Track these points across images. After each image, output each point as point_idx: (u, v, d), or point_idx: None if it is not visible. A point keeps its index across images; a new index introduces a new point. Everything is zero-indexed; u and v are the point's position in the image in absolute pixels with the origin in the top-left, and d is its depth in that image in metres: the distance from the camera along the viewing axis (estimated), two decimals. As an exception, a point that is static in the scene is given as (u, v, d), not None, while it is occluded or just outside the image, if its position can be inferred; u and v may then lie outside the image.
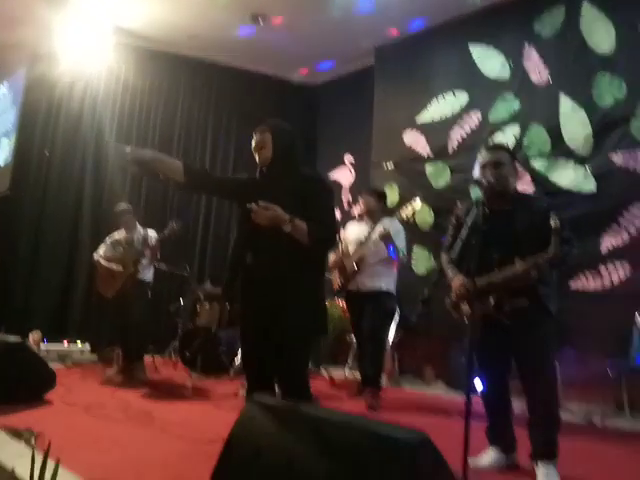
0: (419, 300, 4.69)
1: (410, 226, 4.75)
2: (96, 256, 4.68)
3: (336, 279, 4.35)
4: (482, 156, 2.56)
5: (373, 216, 4.26)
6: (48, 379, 3.42)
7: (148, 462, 2.28)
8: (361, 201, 4.38)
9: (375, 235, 4.08)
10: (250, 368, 2.32)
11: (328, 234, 2.25)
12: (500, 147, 2.68)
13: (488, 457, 2.54)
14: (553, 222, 2.31)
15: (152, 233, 4.60)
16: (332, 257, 4.34)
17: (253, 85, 7.02)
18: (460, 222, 2.58)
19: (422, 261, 5.75)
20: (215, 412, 3.39)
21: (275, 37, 6.28)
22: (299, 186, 2.24)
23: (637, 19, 4.46)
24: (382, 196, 4.46)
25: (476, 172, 2.58)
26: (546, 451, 2.37)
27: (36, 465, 1.48)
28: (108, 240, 4.77)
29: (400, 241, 4.17)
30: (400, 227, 4.26)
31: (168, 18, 5.97)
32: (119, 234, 4.76)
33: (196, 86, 6.81)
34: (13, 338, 3.56)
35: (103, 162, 6.18)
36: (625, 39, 4.53)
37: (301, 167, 2.34)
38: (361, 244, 4.18)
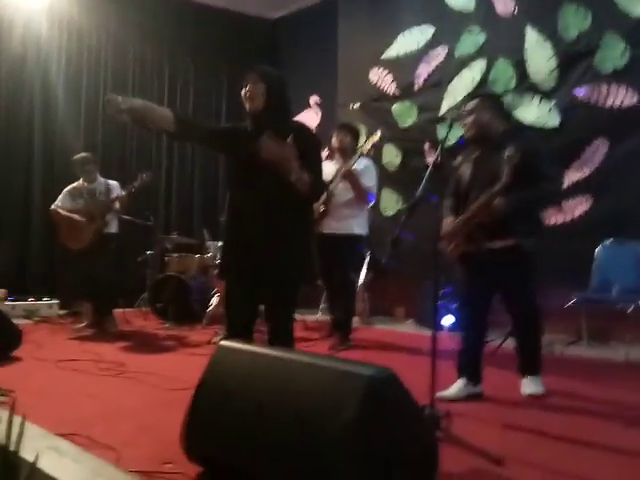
0: (388, 241, 4.74)
1: (377, 168, 4.72)
2: (54, 206, 4.50)
3: None
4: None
5: (345, 153, 4.13)
6: (14, 336, 3.35)
7: (120, 412, 2.29)
8: (334, 138, 4.22)
9: (337, 179, 3.98)
10: (233, 313, 2.33)
11: (321, 187, 2.31)
12: (479, 95, 2.93)
13: (455, 388, 2.66)
14: (507, 152, 2.45)
15: (114, 184, 4.44)
16: None
17: (208, 21, 6.63)
18: (457, 172, 2.78)
19: (390, 203, 5.75)
20: (189, 360, 3.41)
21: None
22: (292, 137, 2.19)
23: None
24: (356, 134, 4.32)
25: None
26: (533, 366, 2.70)
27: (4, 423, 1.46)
28: (66, 190, 4.58)
29: (369, 178, 4.07)
30: (369, 163, 4.17)
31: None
32: (78, 184, 4.57)
33: (147, 23, 6.35)
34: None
35: (53, 106, 5.82)
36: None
37: (291, 116, 2.34)
38: (330, 183, 4.01)
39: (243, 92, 2.24)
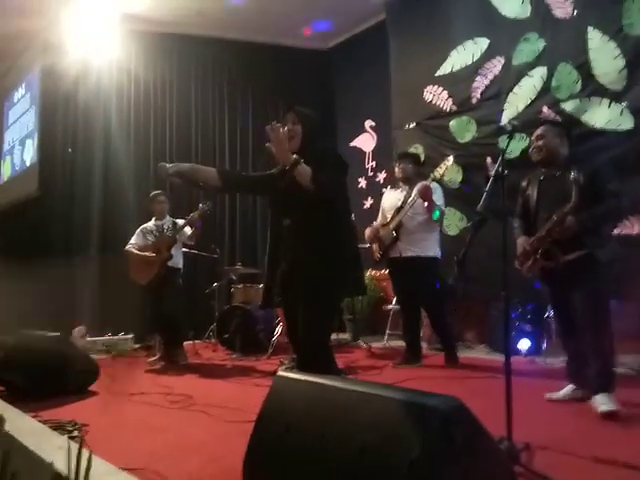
0: (454, 261, 4.56)
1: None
2: (128, 246, 4.73)
3: (375, 250, 4.35)
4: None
5: (409, 182, 4.29)
6: (92, 371, 3.49)
7: (187, 446, 2.29)
8: (397, 168, 4.38)
9: (412, 199, 4.10)
10: (291, 338, 2.46)
11: (330, 187, 2.27)
12: (547, 122, 3.15)
13: (564, 391, 2.84)
14: (572, 174, 2.63)
15: (180, 222, 4.63)
16: (368, 230, 4.36)
17: (264, 57, 6.85)
18: (525, 193, 2.98)
19: (453, 221, 5.55)
20: (255, 391, 3.39)
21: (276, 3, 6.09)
22: (312, 162, 2.27)
23: None
24: (417, 160, 4.49)
25: None
26: (604, 384, 2.60)
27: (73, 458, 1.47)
28: (138, 230, 4.81)
29: (438, 199, 4.15)
30: (436, 185, 4.27)
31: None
32: (148, 224, 4.80)
33: (207, 65, 6.70)
34: (54, 334, 3.63)
35: (122, 163, 6.15)
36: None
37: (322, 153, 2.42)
38: (398, 210, 4.21)
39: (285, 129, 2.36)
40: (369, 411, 1.32)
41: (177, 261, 4.65)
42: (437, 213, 4.11)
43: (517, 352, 4.40)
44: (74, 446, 1.52)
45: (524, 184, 3.02)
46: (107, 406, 3.07)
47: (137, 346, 5.43)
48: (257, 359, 4.57)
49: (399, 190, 4.34)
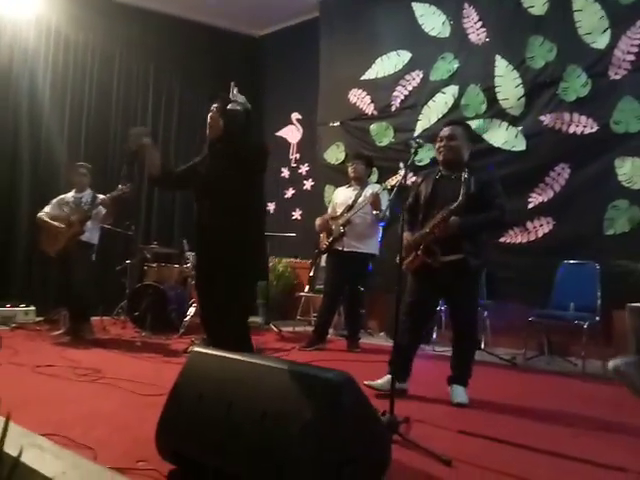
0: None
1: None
2: (41, 214, 4.59)
3: (323, 240, 4.68)
4: (442, 130, 2.98)
5: (361, 182, 4.65)
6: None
7: (97, 416, 2.39)
8: (351, 167, 4.72)
9: (362, 199, 4.47)
10: (203, 318, 2.69)
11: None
12: (456, 122, 3.15)
13: (383, 380, 2.90)
14: (464, 176, 2.77)
15: (101, 197, 4.55)
16: (319, 220, 4.71)
17: (194, 36, 6.81)
18: (418, 188, 3.02)
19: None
20: (165, 367, 3.51)
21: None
22: (235, 152, 2.53)
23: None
24: (369, 162, 4.82)
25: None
26: (464, 377, 2.90)
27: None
28: (54, 200, 4.69)
29: (383, 203, 4.49)
30: (383, 191, 4.60)
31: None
32: (66, 195, 4.68)
33: (134, 36, 6.52)
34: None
35: (39, 114, 5.90)
36: (557, 3, 4.71)
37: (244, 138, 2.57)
38: (349, 208, 4.55)
39: (207, 119, 2.57)
40: (271, 382, 1.55)
41: (91, 236, 4.58)
42: (383, 224, 4.58)
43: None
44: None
45: (419, 179, 3.08)
46: (11, 378, 3.05)
47: (39, 319, 5.27)
48: (168, 338, 4.65)
49: (351, 188, 4.67)
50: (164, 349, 4.23)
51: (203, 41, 6.86)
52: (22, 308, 5.26)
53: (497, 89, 5.00)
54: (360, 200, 4.49)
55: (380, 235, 4.69)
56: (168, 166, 2.77)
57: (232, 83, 2.73)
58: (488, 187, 2.84)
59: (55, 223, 4.46)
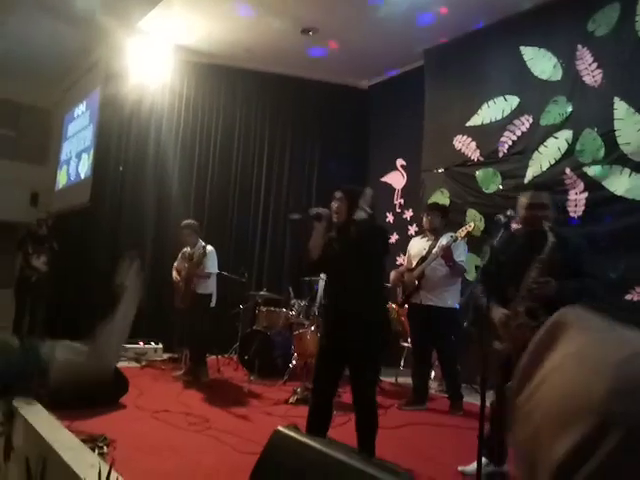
0: (470, 307, 4.80)
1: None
2: (174, 269, 5.16)
3: (399, 293, 4.62)
4: (526, 196, 2.82)
5: (436, 232, 4.50)
6: (122, 385, 3.89)
7: (196, 472, 2.62)
8: (425, 218, 4.62)
9: (437, 250, 4.33)
10: (319, 383, 2.84)
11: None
12: (542, 188, 3.06)
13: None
14: (550, 240, 2.61)
15: (210, 249, 4.98)
16: (393, 274, 4.60)
17: (305, 92, 7.25)
18: (496, 255, 2.74)
19: (473, 268, 5.74)
20: (266, 420, 3.71)
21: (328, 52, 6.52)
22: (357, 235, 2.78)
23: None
24: (445, 211, 4.71)
25: (521, 212, 2.80)
26: None
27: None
28: (181, 252, 5.21)
29: (459, 254, 4.37)
30: (459, 242, 4.44)
31: (223, 34, 6.32)
32: (187, 248, 5.17)
33: (252, 96, 7.13)
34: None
35: (168, 182, 6.65)
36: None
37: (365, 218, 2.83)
38: (423, 259, 4.44)
39: (331, 206, 2.86)
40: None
41: (207, 287, 5.00)
42: (461, 266, 4.37)
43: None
44: (104, 467, 1.88)
45: (496, 243, 2.74)
46: (133, 422, 3.45)
47: (165, 357, 5.86)
48: (272, 384, 4.89)
49: (425, 239, 4.56)
50: (268, 397, 4.45)
51: (313, 95, 7.27)
52: (152, 346, 5.91)
53: (617, 133, 4.62)
54: (434, 251, 4.33)
55: (459, 286, 4.48)
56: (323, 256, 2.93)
57: (367, 189, 2.99)
58: (577, 253, 2.69)
59: (177, 278, 4.96)
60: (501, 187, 5.55)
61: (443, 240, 4.33)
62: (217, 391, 4.57)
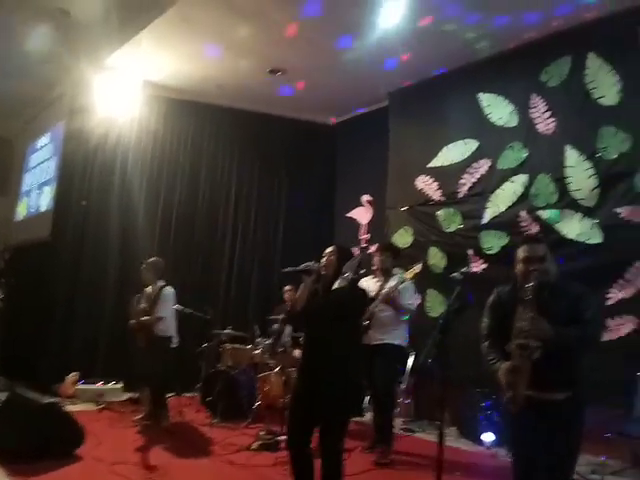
0: (430, 342, 4.82)
1: (424, 271, 4.95)
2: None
3: None
4: (523, 250, 2.65)
5: (387, 273, 4.49)
6: (78, 436, 3.77)
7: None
8: (376, 258, 4.59)
9: (386, 291, 4.31)
10: (293, 433, 2.91)
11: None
12: (538, 239, 2.77)
13: None
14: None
15: (168, 291, 4.87)
16: None
17: (273, 128, 7.33)
18: (496, 308, 2.72)
19: (435, 304, 5.87)
20: (227, 470, 3.64)
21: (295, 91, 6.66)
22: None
23: (641, 73, 4.49)
24: (396, 252, 4.70)
25: (518, 266, 2.64)
26: None
27: None
28: (138, 295, 5.05)
29: (408, 297, 4.39)
30: (407, 285, 4.45)
31: (192, 71, 6.36)
32: (147, 289, 5.02)
33: (220, 132, 7.17)
34: (46, 398, 3.93)
35: (132, 217, 6.56)
36: (630, 91, 4.56)
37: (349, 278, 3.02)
38: (372, 300, 4.34)
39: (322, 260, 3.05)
40: None
41: (167, 329, 4.82)
42: (407, 317, 4.40)
43: (481, 443, 4.63)
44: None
45: (497, 299, 2.74)
46: (89, 477, 3.33)
47: (125, 397, 5.68)
48: (236, 426, 4.81)
49: (375, 279, 4.50)
50: (231, 442, 4.32)
51: (281, 131, 7.35)
52: (111, 386, 5.74)
53: (568, 179, 4.86)
54: (384, 292, 4.31)
55: (407, 327, 4.48)
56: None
57: (358, 256, 3.14)
58: (579, 300, 2.53)
59: (132, 320, 4.86)
60: (461, 226, 5.72)
61: (392, 281, 4.33)
62: (178, 437, 4.45)
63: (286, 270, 3.15)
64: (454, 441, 4.85)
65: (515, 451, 2.65)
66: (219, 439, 4.43)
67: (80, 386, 5.72)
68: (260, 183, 7.35)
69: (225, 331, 5.76)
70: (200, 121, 7.08)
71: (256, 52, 5.85)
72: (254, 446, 4.16)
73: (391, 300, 4.27)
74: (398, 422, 5.31)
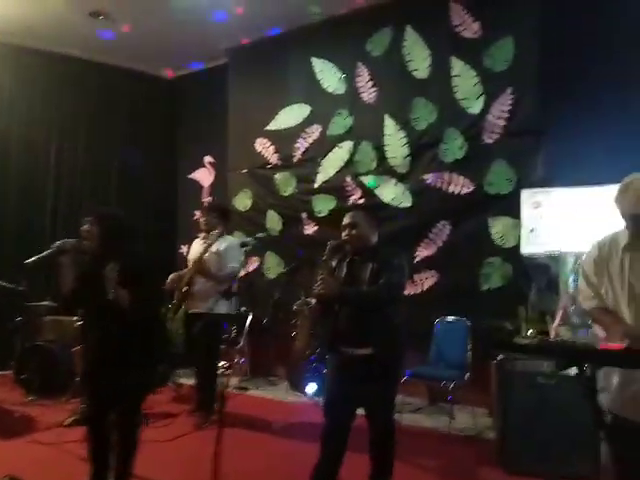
0: (270, 303, 4.93)
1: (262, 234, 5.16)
2: None
3: (175, 298, 4.34)
4: (344, 217, 2.83)
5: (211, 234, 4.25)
6: None
7: None
8: (201, 219, 4.39)
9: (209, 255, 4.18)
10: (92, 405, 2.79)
11: (143, 309, 2.67)
12: (357, 207, 3.03)
13: None
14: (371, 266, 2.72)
15: None
16: (172, 276, 4.28)
17: (107, 78, 6.71)
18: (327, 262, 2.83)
19: (273, 265, 6.02)
20: (29, 449, 3.42)
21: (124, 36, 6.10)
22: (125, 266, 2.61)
23: (448, 50, 4.88)
24: (224, 213, 4.50)
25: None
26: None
27: None
28: None
29: (232, 258, 4.26)
30: (235, 245, 4.37)
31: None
32: None
33: (41, 80, 6.36)
34: None
35: None
36: (438, 67, 4.95)
37: (127, 247, 2.71)
38: (194, 263, 4.25)
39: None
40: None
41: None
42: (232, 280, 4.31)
43: (305, 395, 4.94)
44: None
45: (330, 259, 2.85)
46: None
47: None
48: (54, 403, 4.52)
49: (202, 241, 4.31)
50: (43, 420, 4.07)
51: (115, 82, 6.76)
52: None
53: (386, 147, 5.20)
54: (207, 256, 4.16)
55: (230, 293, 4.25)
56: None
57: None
58: (383, 264, 2.70)
59: None
60: (296, 191, 5.86)
61: (218, 245, 4.19)
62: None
63: (30, 261, 2.79)
64: (283, 394, 5.12)
65: (326, 400, 2.87)
66: (31, 417, 4.14)
67: None
68: (88, 135, 6.62)
69: (44, 303, 5.31)
70: (13, 64, 6.17)
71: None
72: (67, 422, 3.96)
73: (200, 271, 4.12)
74: (234, 381, 5.44)
